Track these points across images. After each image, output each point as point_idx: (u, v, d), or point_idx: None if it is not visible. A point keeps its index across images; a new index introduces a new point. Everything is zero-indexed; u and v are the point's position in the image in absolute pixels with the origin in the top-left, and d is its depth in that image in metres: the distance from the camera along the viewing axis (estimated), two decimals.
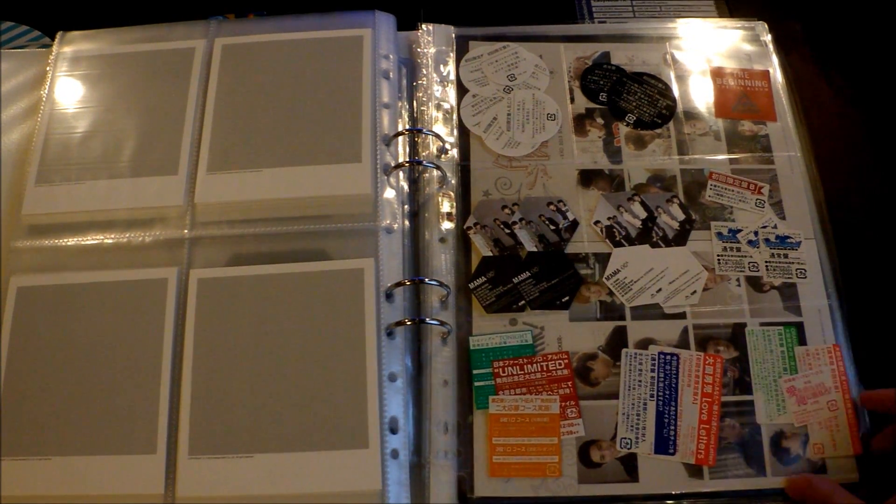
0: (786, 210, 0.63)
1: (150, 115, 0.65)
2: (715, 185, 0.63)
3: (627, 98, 0.67)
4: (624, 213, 0.62)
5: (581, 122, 0.67)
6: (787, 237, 0.61)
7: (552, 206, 0.63)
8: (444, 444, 0.55)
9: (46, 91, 0.67)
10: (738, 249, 0.61)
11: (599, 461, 0.55)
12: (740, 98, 0.68)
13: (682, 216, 0.62)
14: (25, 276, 0.60)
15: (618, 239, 0.62)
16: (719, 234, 0.61)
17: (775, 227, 0.61)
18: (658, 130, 0.66)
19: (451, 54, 0.70)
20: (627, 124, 0.66)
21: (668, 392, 0.56)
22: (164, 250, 0.61)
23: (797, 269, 0.60)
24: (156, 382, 0.56)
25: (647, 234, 0.62)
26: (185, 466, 0.53)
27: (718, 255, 0.61)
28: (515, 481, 0.55)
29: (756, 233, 0.61)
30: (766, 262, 0.60)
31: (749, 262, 0.60)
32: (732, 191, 0.63)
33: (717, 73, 0.69)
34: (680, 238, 0.62)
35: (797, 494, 0.53)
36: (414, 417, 0.56)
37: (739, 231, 0.61)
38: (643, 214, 0.62)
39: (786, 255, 0.60)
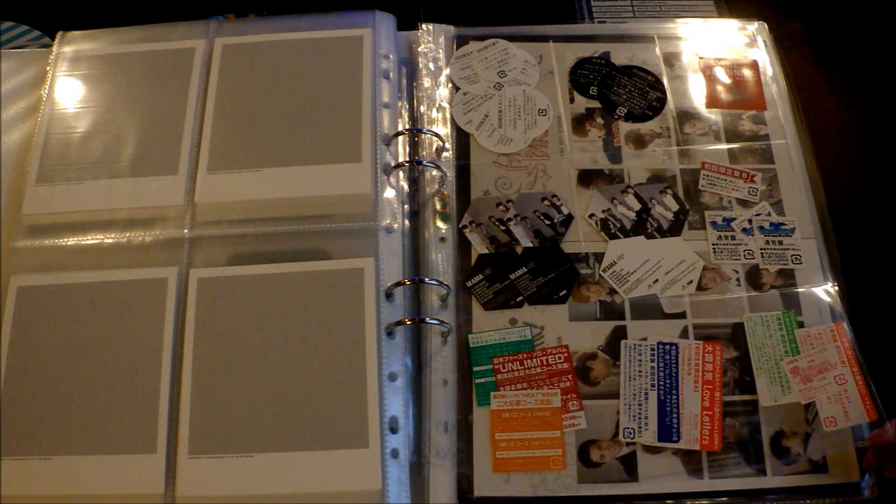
0: (786, 210, 0.63)
1: (150, 115, 0.65)
2: (707, 175, 0.64)
3: (618, 91, 0.67)
4: (618, 205, 0.63)
5: (581, 123, 0.67)
6: (781, 224, 0.61)
7: (546, 202, 0.63)
8: (444, 443, 0.55)
9: (46, 91, 0.67)
10: (733, 238, 0.61)
11: (599, 461, 0.55)
12: (729, 89, 0.68)
13: (675, 207, 0.62)
14: (25, 276, 0.60)
15: (613, 231, 0.62)
16: (713, 224, 0.62)
17: (769, 214, 0.62)
18: (658, 130, 0.66)
19: (452, 54, 0.70)
20: (618, 117, 0.66)
21: (668, 381, 0.56)
22: (164, 250, 0.61)
23: (792, 256, 0.60)
24: (156, 382, 0.56)
25: (641, 225, 0.62)
26: (185, 466, 0.53)
27: (714, 244, 0.61)
28: (515, 481, 0.55)
29: (750, 220, 0.61)
30: (762, 249, 0.61)
31: (744, 250, 0.61)
32: (725, 180, 0.63)
33: (707, 65, 0.69)
34: (675, 229, 0.62)
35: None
36: (414, 417, 0.56)
37: (733, 220, 0.61)
38: (637, 206, 0.62)
39: (780, 242, 0.61)
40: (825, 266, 0.61)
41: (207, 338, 0.57)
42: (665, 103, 0.67)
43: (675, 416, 0.55)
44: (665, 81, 0.68)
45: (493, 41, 0.70)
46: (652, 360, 0.57)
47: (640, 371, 0.57)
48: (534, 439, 0.55)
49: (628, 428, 0.55)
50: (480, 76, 0.69)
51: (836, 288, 0.60)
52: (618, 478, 0.55)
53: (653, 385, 0.56)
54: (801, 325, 0.58)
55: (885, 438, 0.53)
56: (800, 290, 0.60)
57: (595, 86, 0.68)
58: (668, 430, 0.55)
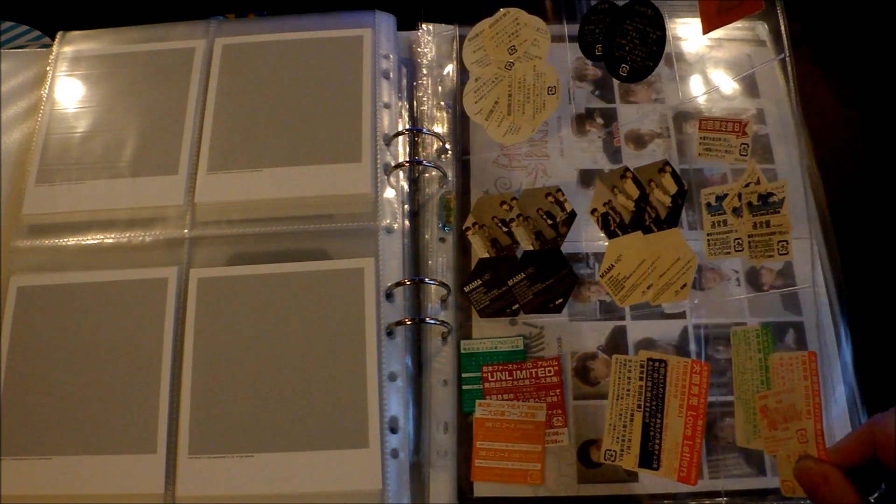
0: (786, 209, 0.63)
1: (150, 115, 0.65)
2: (705, 138, 0.59)
3: (621, 43, 0.63)
4: (618, 194, 0.61)
5: (581, 122, 0.67)
6: (770, 194, 0.55)
7: (550, 198, 0.62)
8: (444, 443, 0.55)
9: (46, 91, 0.67)
10: (725, 223, 0.57)
11: (599, 461, 0.55)
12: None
13: (674, 189, 0.60)
14: (25, 276, 0.60)
15: (612, 228, 0.61)
16: (708, 206, 0.57)
17: (757, 182, 0.55)
18: (658, 130, 0.66)
19: (452, 53, 0.70)
20: (622, 76, 0.63)
21: (654, 403, 0.53)
22: (164, 250, 0.61)
23: (778, 242, 0.54)
24: (156, 382, 0.56)
25: (640, 216, 0.60)
26: (185, 466, 0.53)
27: (709, 234, 0.57)
28: None
29: (740, 195, 0.56)
30: (749, 235, 0.55)
31: (735, 239, 0.56)
32: (719, 139, 0.60)
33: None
34: (672, 217, 0.59)
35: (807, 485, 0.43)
36: (414, 417, 0.56)
37: (725, 197, 0.56)
38: (636, 193, 0.61)
39: (767, 224, 0.55)
40: (825, 266, 0.61)
41: (207, 338, 0.57)
42: (664, 44, 0.62)
43: (657, 441, 0.53)
44: (665, 17, 0.63)
45: (504, 11, 0.67)
46: (640, 379, 0.55)
47: (628, 390, 0.55)
48: (514, 451, 0.55)
49: (610, 450, 0.53)
50: (492, 56, 0.67)
51: (836, 288, 0.60)
52: (618, 478, 0.55)
53: (639, 406, 0.55)
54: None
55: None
56: (799, 290, 0.60)
57: (600, 43, 0.64)
58: (649, 456, 0.52)
